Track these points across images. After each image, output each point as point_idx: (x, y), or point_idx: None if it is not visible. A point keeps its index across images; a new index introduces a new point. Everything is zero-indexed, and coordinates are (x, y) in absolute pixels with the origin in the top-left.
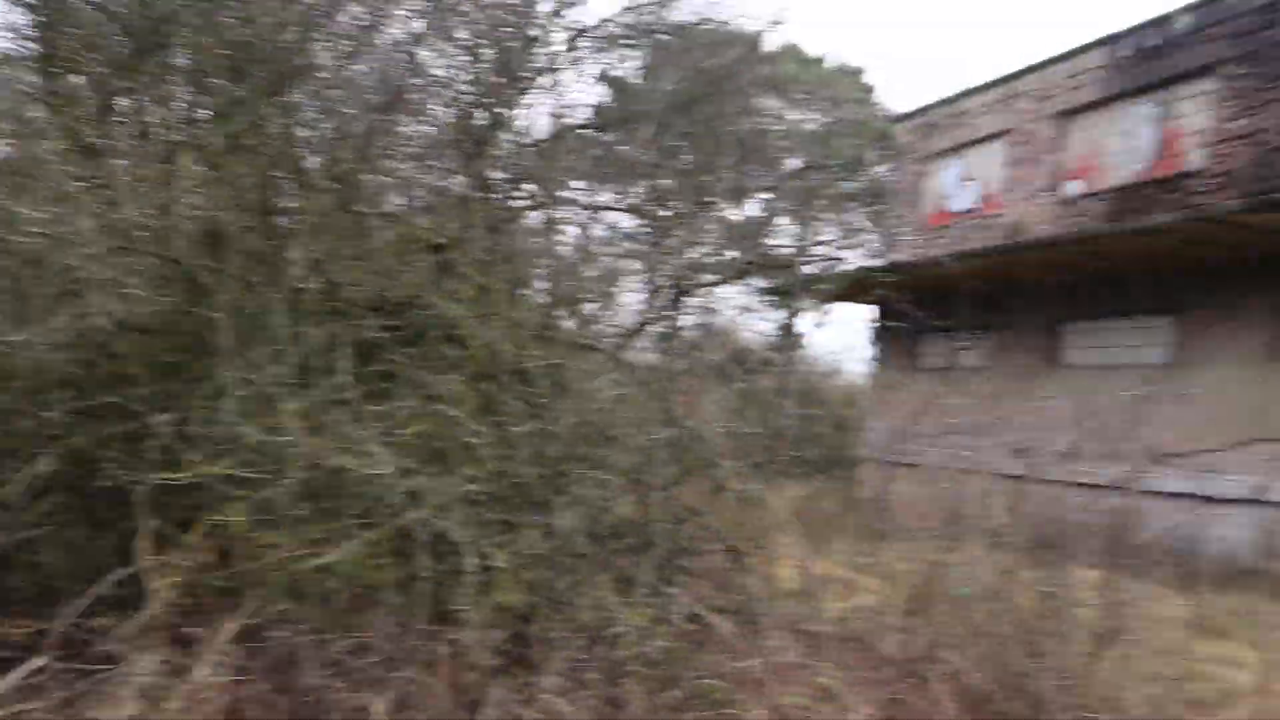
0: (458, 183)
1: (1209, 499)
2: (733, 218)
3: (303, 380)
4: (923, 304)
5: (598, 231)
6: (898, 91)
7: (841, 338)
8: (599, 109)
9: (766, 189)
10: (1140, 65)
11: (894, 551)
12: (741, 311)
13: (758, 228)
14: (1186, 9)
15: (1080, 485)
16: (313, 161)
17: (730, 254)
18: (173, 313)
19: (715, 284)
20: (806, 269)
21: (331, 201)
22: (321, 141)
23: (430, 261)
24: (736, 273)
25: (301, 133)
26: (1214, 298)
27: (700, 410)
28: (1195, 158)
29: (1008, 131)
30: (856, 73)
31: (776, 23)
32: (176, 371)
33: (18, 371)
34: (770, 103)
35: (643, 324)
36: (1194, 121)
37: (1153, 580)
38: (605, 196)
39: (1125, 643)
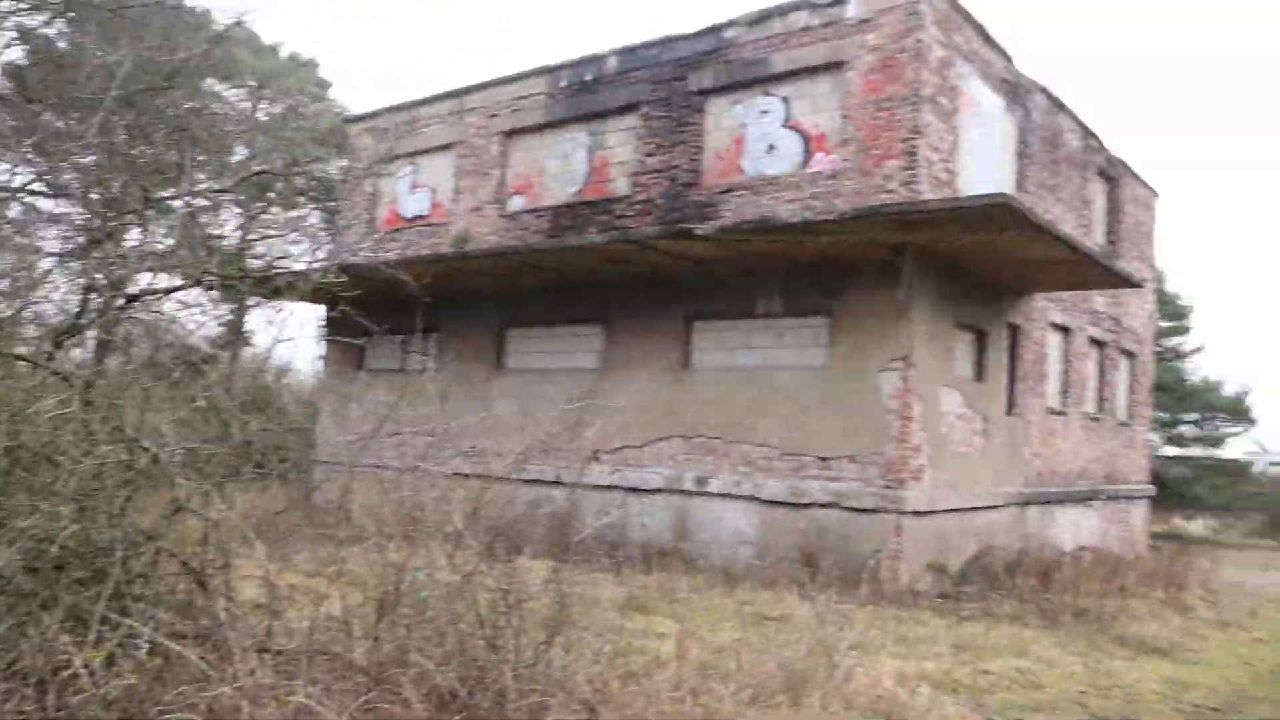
0: None
1: (634, 490)
2: (179, 209)
3: None
4: (375, 307)
5: (12, 215)
6: (362, 90)
7: (294, 338)
8: (20, 77)
9: (217, 184)
10: (576, 96)
11: (356, 557)
12: (188, 310)
13: (206, 222)
14: (615, 52)
15: (528, 482)
16: None
17: (177, 249)
18: None
19: (167, 288)
20: (256, 266)
21: None
22: None
23: None
24: (184, 270)
25: None
26: (637, 311)
27: (150, 421)
28: (621, 185)
29: (458, 144)
30: (311, 66)
31: (240, 20)
32: None
33: None
34: (220, 89)
35: (77, 326)
36: (621, 153)
37: (592, 566)
38: (27, 177)
39: (571, 628)
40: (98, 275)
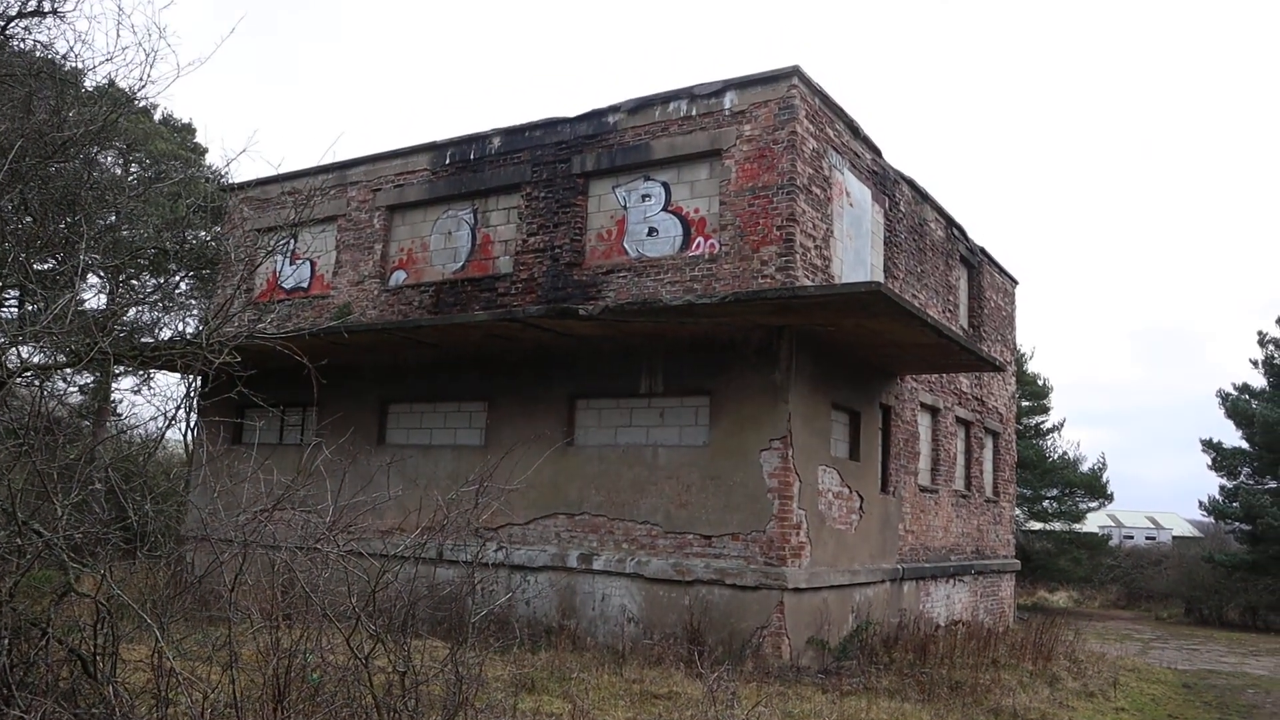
0: None
1: (519, 567)
2: (65, 283)
3: None
4: (251, 378)
5: None
6: (248, 157)
7: (165, 407)
8: None
9: (106, 259)
10: (460, 174)
11: (237, 638)
12: (48, 378)
13: (73, 289)
14: (498, 131)
15: (419, 561)
16: None
17: (66, 324)
18: None
19: (48, 365)
20: (124, 334)
21: None
22: None
23: None
24: (68, 347)
25: None
26: (521, 388)
27: (35, 504)
28: (504, 263)
29: (340, 216)
30: (187, 130)
31: (142, 93)
32: None
33: None
34: (93, 152)
35: None
36: (503, 231)
37: (481, 645)
38: None
39: (464, 709)
40: None
